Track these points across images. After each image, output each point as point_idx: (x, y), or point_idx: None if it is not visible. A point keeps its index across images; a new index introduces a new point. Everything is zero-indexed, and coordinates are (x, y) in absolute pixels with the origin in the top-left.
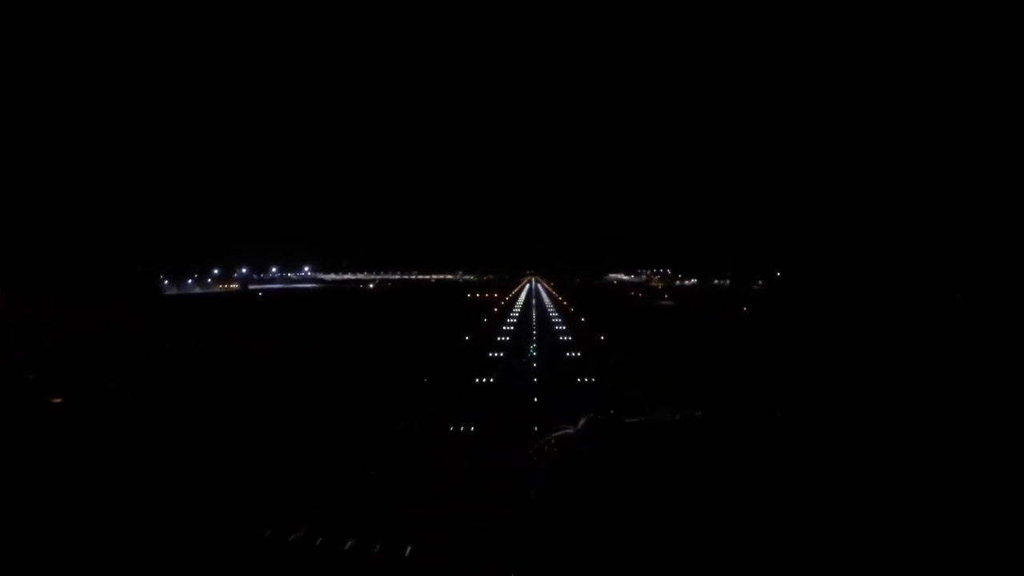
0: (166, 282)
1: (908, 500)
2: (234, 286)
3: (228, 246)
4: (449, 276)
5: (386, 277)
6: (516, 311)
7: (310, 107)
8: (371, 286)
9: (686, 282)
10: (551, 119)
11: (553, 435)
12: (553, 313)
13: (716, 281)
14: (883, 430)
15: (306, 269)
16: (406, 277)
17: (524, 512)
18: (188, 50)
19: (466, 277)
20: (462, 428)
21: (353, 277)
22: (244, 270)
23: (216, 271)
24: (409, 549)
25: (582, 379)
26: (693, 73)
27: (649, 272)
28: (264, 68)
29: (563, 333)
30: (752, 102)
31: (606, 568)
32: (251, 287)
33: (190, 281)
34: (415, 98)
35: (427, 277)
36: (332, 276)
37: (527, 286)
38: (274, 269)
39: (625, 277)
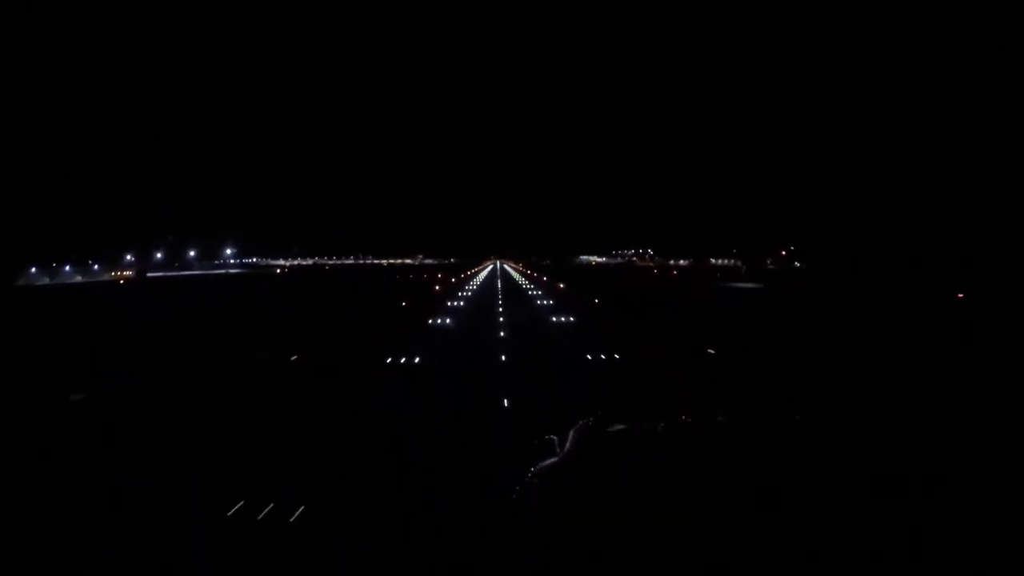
0: (33, 269)
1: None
2: (128, 273)
3: (182, 229)
4: (408, 261)
5: (324, 262)
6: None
7: (285, 97)
8: (277, 271)
9: (680, 262)
10: (514, 106)
11: (539, 465)
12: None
13: (715, 260)
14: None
15: (228, 252)
16: (359, 262)
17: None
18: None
19: (426, 261)
20: None
21: (299, 263)
22: (159, 255)
23: (129, 257)
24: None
25: None
26: (649, 55)
27: (632, 253)
28: (219, 48)
29: None
30: (714, 78)
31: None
32: (150, 275)
33: (68, 268)
34: (385, 88)
35: (380, 262)
36: (281, 262)
37: (489, 268)
38: (192, 253)
39: (599, 259)
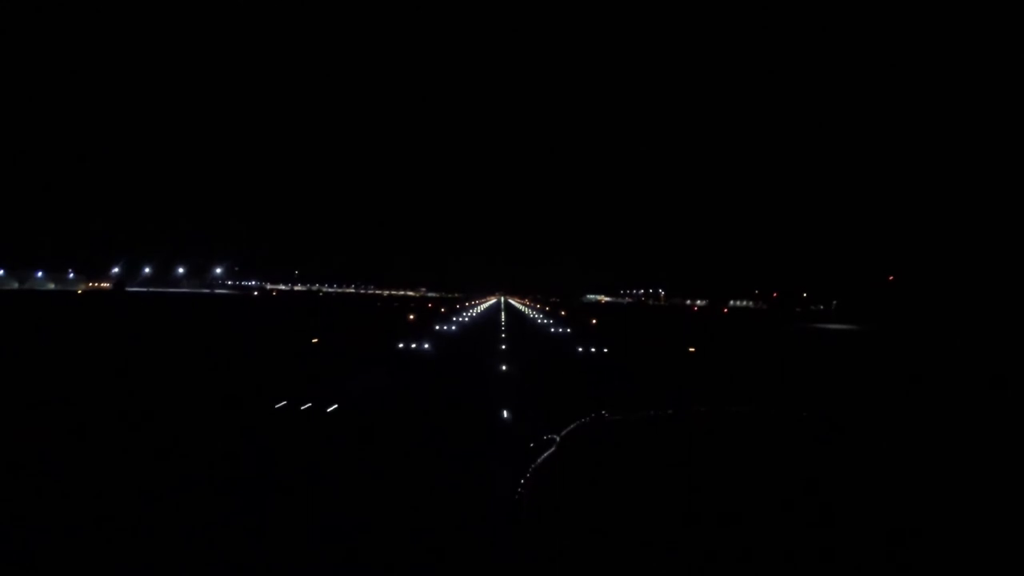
0: (2, 272)
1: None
2: (104, 285)
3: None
4: (410, 293)
5: (319, 288)
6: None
7: (306, 118)
8: (255, 293)
9: (698, 302)
10: (526, 143)
11: (540, 457)
12: None
13: (733, 302)
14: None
15: (217, 272)
16: (360, 291)
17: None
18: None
19: (429, 295)
20: None
21: (303, 288)
22: (147, 270)
23: (115, 269)
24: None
25: None
26: (657, 87)
27: (642, 292)
28: (237, 67)
29: None
30: (735, 117)
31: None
32: (129, 289)
33: (40, 275)
34: (406, 121)
35: (380, 292)
36: (281, 286)
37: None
38: (181, 270)
39: (607, 298)
